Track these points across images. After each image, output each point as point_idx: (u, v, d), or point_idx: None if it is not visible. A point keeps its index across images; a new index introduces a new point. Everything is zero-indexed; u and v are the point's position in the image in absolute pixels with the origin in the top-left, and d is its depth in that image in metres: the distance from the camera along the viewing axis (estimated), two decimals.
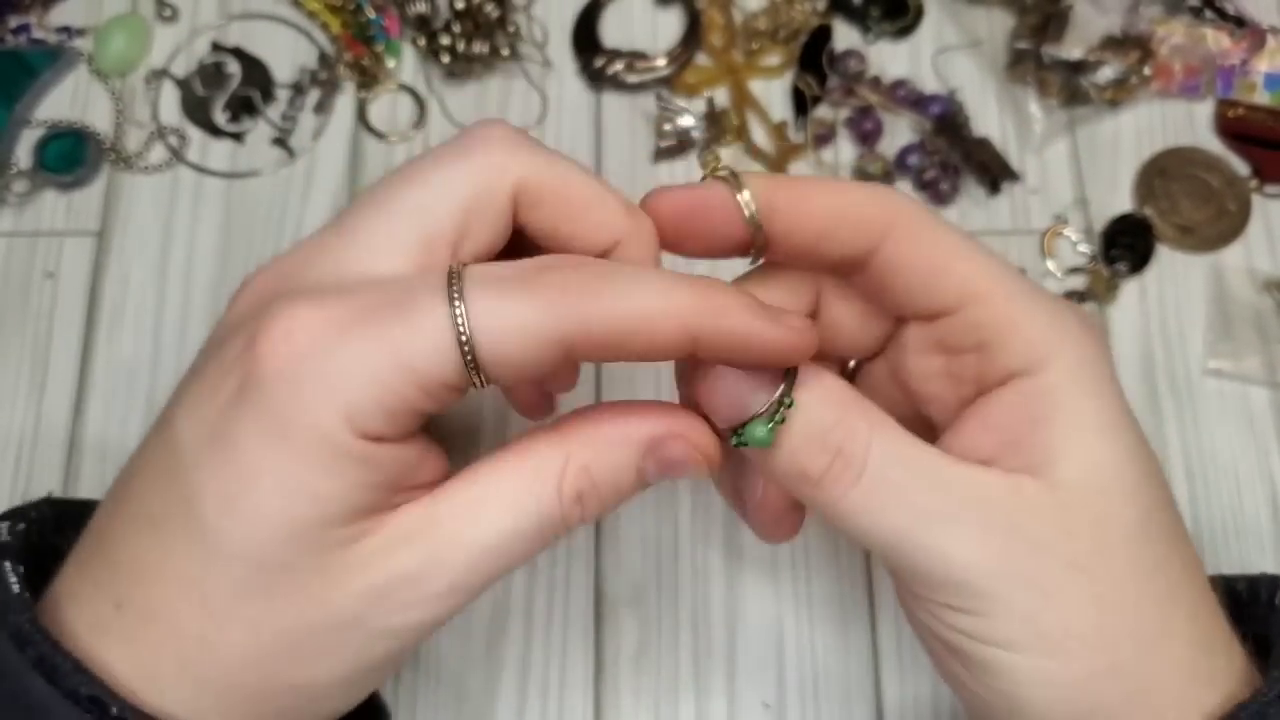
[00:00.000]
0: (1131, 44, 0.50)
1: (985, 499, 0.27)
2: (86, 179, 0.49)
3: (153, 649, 0.26)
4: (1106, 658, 0.27)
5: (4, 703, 0.25)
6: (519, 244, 0.29)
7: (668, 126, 0.50)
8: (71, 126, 0.49)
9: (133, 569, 0.27)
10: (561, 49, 0.52)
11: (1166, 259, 0.48)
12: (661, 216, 0.30)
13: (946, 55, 0.52)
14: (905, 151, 0.49)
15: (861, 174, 0.49)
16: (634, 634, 0.42)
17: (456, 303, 0.25)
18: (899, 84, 0.50)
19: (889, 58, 0.52)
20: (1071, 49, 0.50)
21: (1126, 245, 0.48)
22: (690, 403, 0.29)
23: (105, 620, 0.26)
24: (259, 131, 0.50)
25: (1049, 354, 0.29)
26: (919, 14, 0.52)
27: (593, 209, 0.29)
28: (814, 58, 0.51)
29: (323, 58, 0.51)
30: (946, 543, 0.27)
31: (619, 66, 0.51)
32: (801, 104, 0.50)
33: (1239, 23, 0.51)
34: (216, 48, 0.51)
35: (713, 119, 0.50)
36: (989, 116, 0.51)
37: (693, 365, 0.28)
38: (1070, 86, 0.50)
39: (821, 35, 0.51)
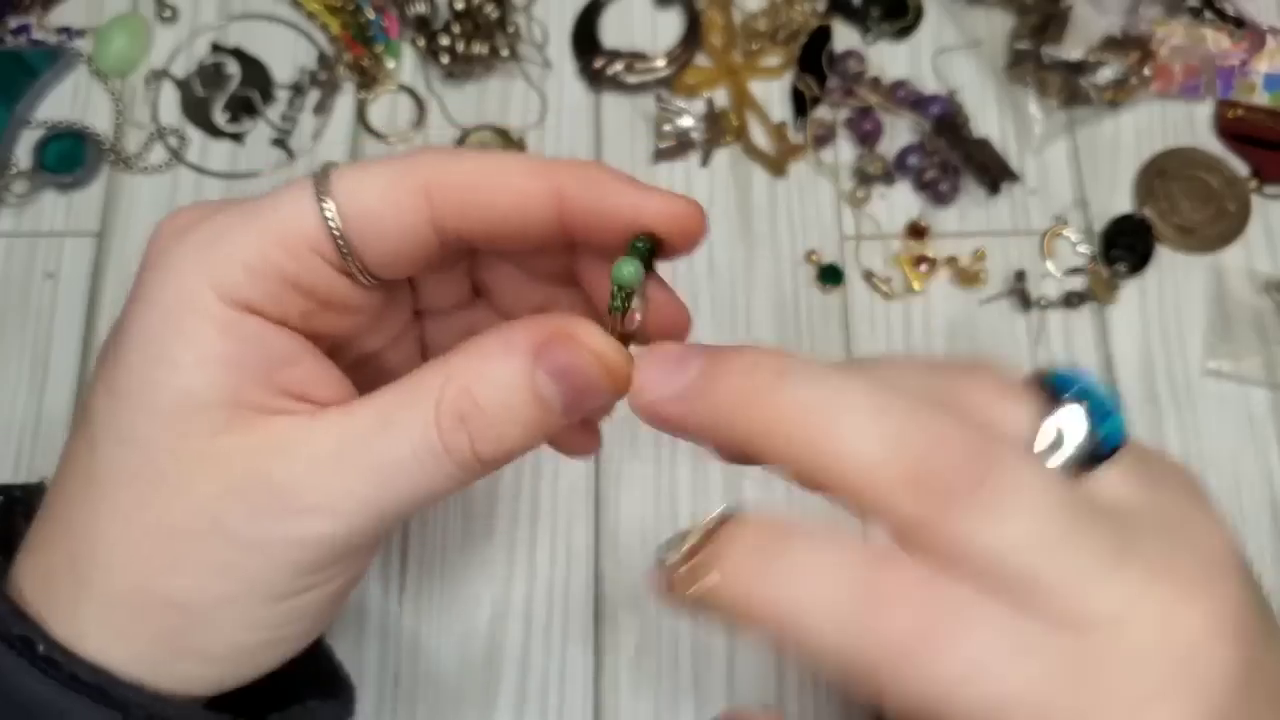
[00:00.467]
0: (1131, 45, 0.50)
1: None
2: (86, 179, 0.49)
3: (50, 561, 0.26)
4: None
5: None
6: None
7: (667, 127, 0.50)
8: (71, 127, 0.49)
9: (51, 497, 0.27)
10: (561, 49, 0.52)
11: (1166, 260, 0.48)
12: None
13: (946, 56, 0.52)
14: (905, 152, 0.49)
15: (861, 174, 0.49)
16: (634, 634, 0.42)
17: (322, 184, 0.25)
18: (899, 84, 0.50)
19: (889, 58, 0.52)
20: (1071, 50, 0.50)
21: (1126, 246, 0.48)
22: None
23: (40, 564, 0.26)
24: (259, 132, 0.50)
25: None
26: (919, 14, 0.52)
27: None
28: (814, 58, 0.51)
29: (322, 58, 0.51)
30: None
31: (619, 67, 0.51)
32: (801, 105, 0.50)
33: (1239, 23, 0.51)
34: (216, 48, 0.51)
35: (712, 120, 0.50)
36: (989, 117, 0.51)
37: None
38: (1070, 87, 0.50)
39: (821, 36, 0.51)
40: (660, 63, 0.51)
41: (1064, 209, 0.49)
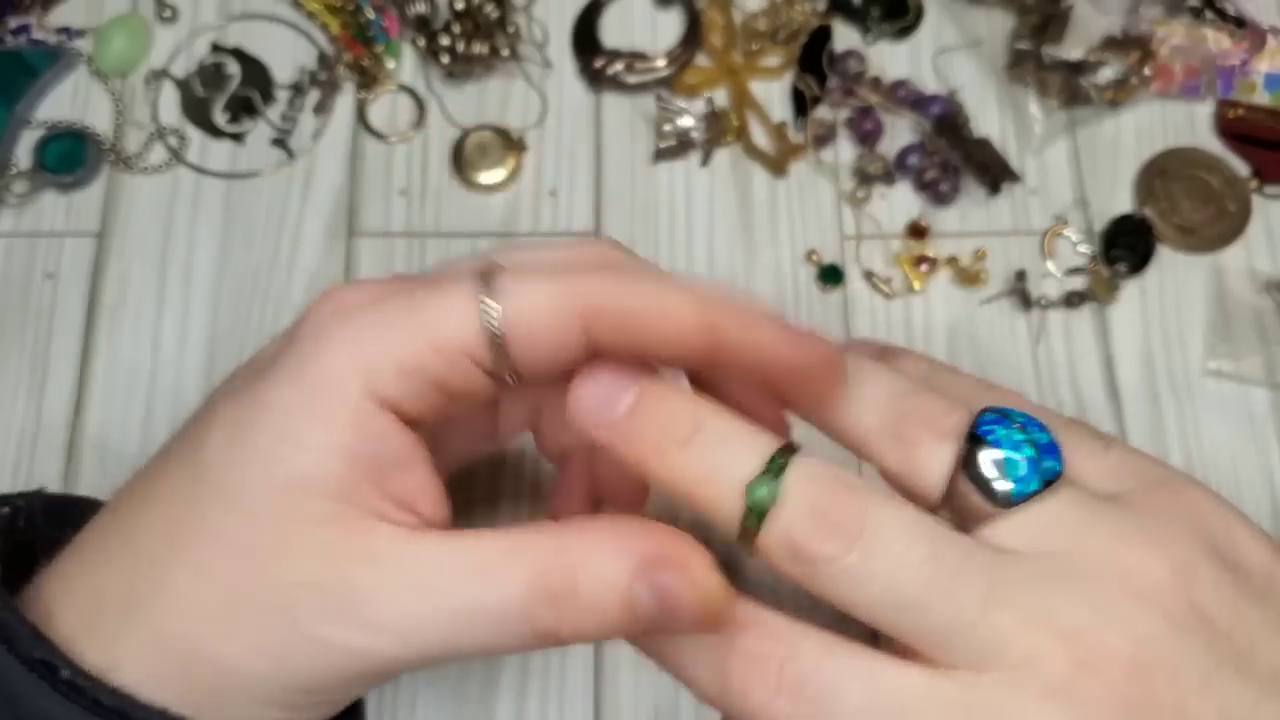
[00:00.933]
0: (1132, 45, 0.50)
1: None
2: (86, 180, 0.49)
3: (105, 586, 0.26)
4: None
5: None
6: None
7: (668, 127, 0.50)
8: (71, 127, 0.49)
9: (121, 520, 0.27)
10: (561, 50, 0.52)
11: (1167, 259, 0.48)
12: None
13: (946, 56, 0.52)
14: (905, 152, 0.49)
15: (861, 174, 0.49)
16: None
17: (487, 288, 0.26)
18: (899, 84, 0.50)
19: (889, 58, 0.52)
20: (1072, 49, 0.50)
21: (1127, 246, 0.48)
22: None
23: (93, 587, 0.26)
24: (259, 132, 0.50)
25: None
26: (919, 14, 0.52)
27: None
28: (814, 58, 0.51)
29: (322, 58, 0.51)
30: None
31: (619, 67, 0.51)
32: (801, 104, 0.50)
33: (1239, 23, 0.51)
34: (216, 48, 0.51)
35: (712, 120, 0.50)
36: (989, 117, 0.51)
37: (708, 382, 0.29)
38: (1070, 87, 0.50)
39: (821, 36, 0.51)
40: (660, 63, 0.51)
41: (1064, 209, 0.49)
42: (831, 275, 0.47)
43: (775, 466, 0.25)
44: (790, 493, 0.25)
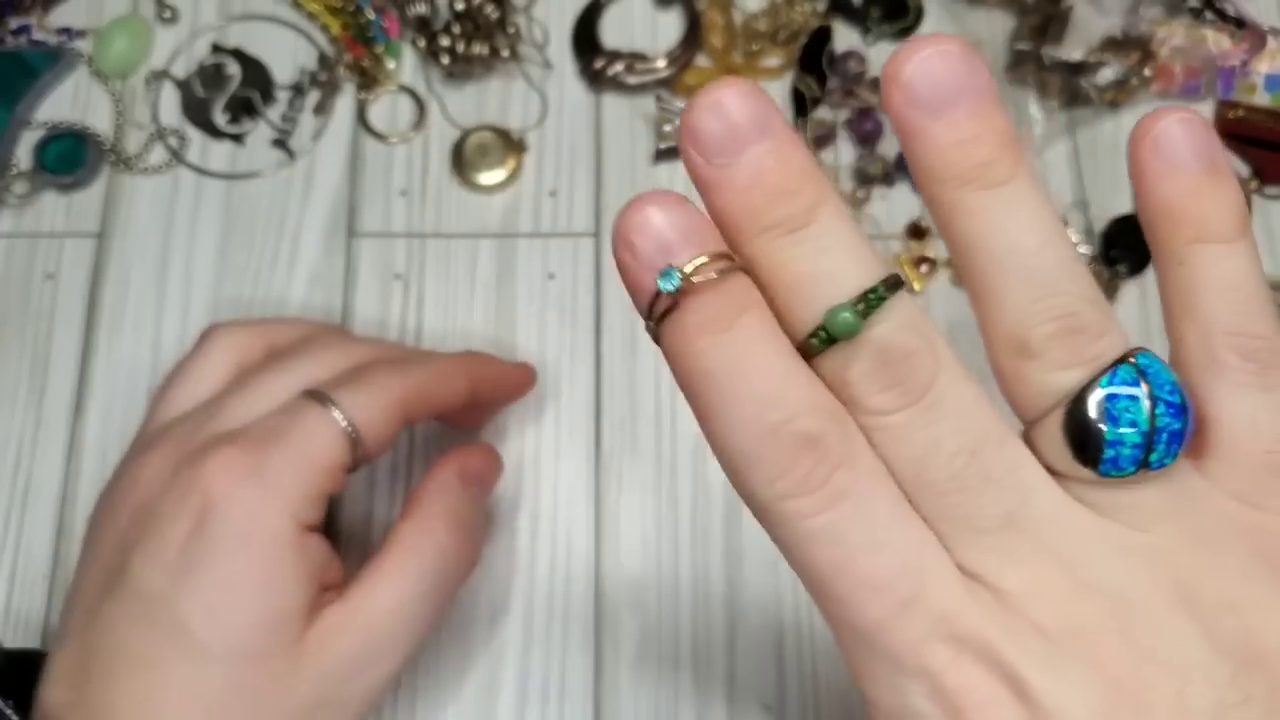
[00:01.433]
0: (1132, 45, 0.50)
1: None
2: (86, 180, 0.49)
3: None
4: None
5: None
6: None
7: (668, 128, 0.50)
8: (72, 128, 0.49)
9: (132, 705, 0.32)
10: (561, 50, 0.52)
11: None
12: None
13: None
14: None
15: (861, 174, 0.49)
16: (634, 634, 0.42)
17: (332, 408, 0.35)
18: None
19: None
20: (1072, 50, 0.50)
21: (1127, 247, 0.48)
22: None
23: None
24: (259, 133, 0.50)
25: None
26: (919, 15, 0.52)
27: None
28: (814, 59, 0.51)
29: (322, 59, 0.51)
30: None
31: (619, 68, 0.51)
32: (801, 105, 0.50)
33: (1239, 24, 0.51)
34: (216, 49, 0.51)
35: None
36: None
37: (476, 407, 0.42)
38: (1070, 88, 0.50)
39: (821, 36, 0.51)
40: (660, 63, 0.51)
41: (1064, 210, 0.49)
42: None
43: (872, 300, 0.22)
44: (872, 334, 0.22)
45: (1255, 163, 0.50)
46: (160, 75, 0.51)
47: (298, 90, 0.51)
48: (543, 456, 0.44)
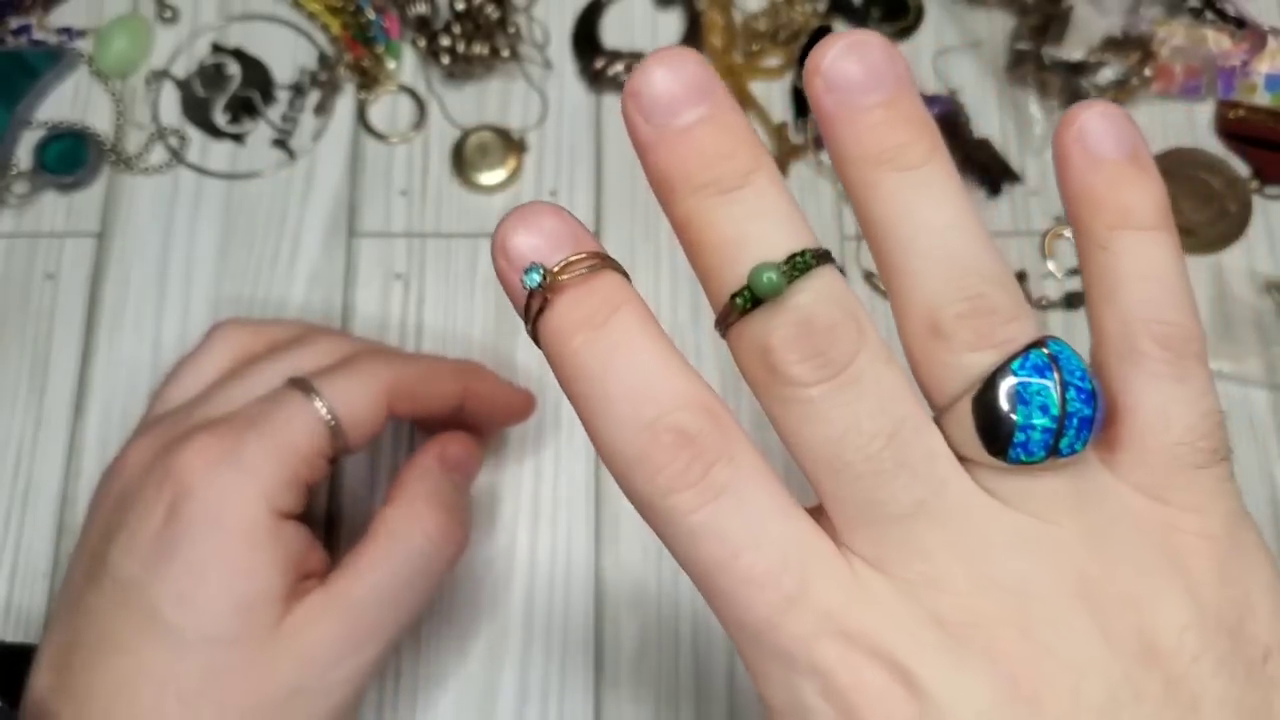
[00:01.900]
0: (1132, 45, 0.50)
1: None
2: (87, 180, 0.49)
3: None
4: None
5: None
6: None
7: None
8: (72, 128, 0.49)
9: (109, 690, 0.31)
10: (562, 50, 0.52)
11: None
12: None
13: (947, 56, 0.52)
14: None
15: None
16: (634, 634, 0.42)
17: (314, 396, 0.35)
18: None
19: None
20: (1072, 50, 0.50)
21: None
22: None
23: None
24: (259, 133, 0.50)
25: None
26: (919, 15, 0.52)
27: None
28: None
29: (323, 59, 0.51)
30: None
31: (619, 68, 0.51)
32: (802, 105, 0.50)
33: (1240, 24, 0.51)
34: (217, 49, 0.51)
35: None
36: (989, 117, 0.51)
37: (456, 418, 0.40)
38: (1071, 87, 0.50)
39: (821, 36, 0.51)
40: None
41: (1065, 210, 0.49)
42: None
43: (799, 264, 0.22)
44: (795, 295, 0.22)
45: (1255, 163, 0.50)
46: (160, 75, 0.51)
47: (298, 90, 0.51)
48: (543, 456, 0.44)
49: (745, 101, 0.51)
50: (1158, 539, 0.23)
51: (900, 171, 0.23)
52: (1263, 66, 0.51)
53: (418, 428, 0.45)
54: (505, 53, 0.50)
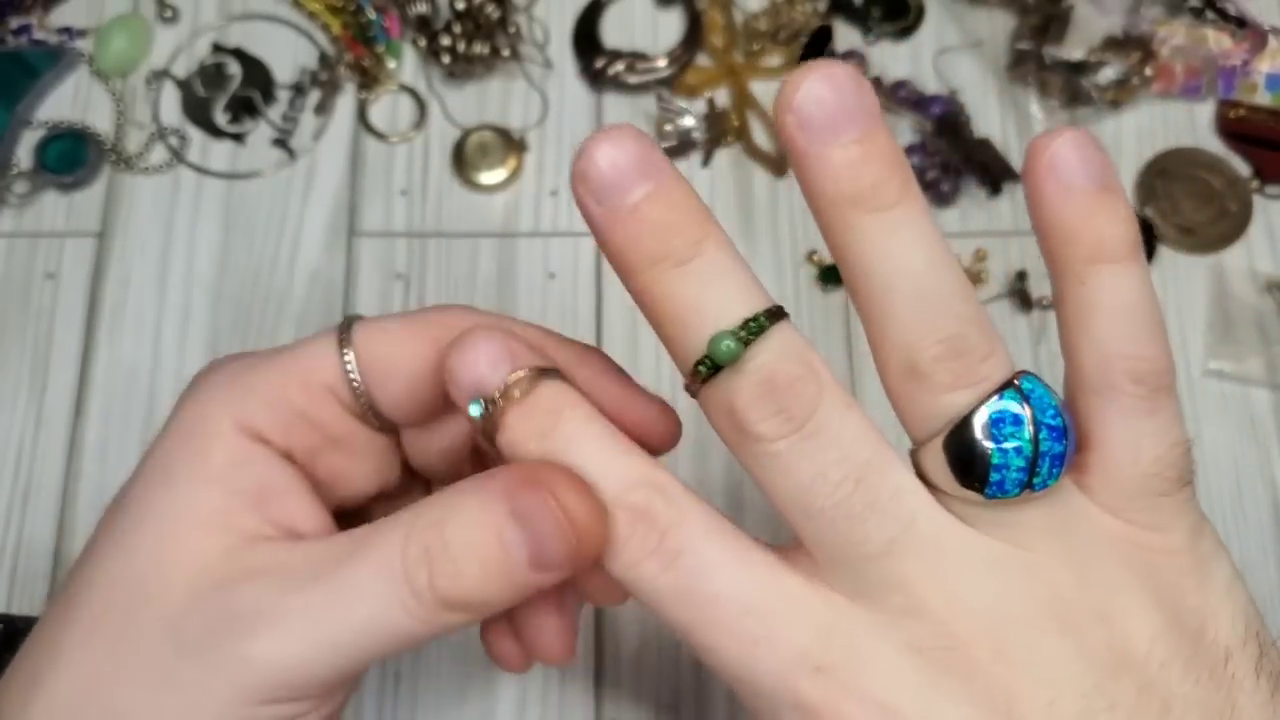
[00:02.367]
0: (1133, 45, 0.50)
1: None
2: (87, 180, 0.49)
3: (16, 668, 0.26)
4: None
5: None
6: None
7: (669, 127, 0.50)
8: (72, 127, 0.49)
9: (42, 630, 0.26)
10: (562, 50, 0.52)
11: (1167, 259, 0.48)
12: None
13: (947, 56, 0.52)
14: (906, 152, 0.49)
15: None
16: (634, 634, 0.42)
17: (346, 336, 0.28)
18: (900, 85, 0.50)
19: (890, 58, 0.52)
20: (1073, 50, 0.50)
21: None
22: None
23: (8, 673, 0.26)
24: (260, 132, 0.50)
25: None
26: (920, 15, 0.52)
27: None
28: (815, 58, 0.51)
29: (323, 58, 0.51)
30: None
31: (620, 67, 0.51)
32: None
33: (1240, 23, 0.51)
34: (217, 48, 0.51)
35: (713, 120, 0.50)
36: (990, 117, 0.50)
37: None
38: (1071, 87, 0.50)
39: (822, 36, 0.51)
40: (661, 63, 0.51)
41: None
42: (832, 276, 0.47)
43: (753, 327, 0.23)
44: (753, 360, 0.23)
45: (1256, 162, 0.50)
46: (161, 75, 0.51)
47: (298, 90, 0.51)
48: None
49: (746, 101, 0.51)
50: (1125, 556, 0.24)
51: (875, 213, 0.23)
52: (1263, 66, 0.51)
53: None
54: (506, 52, 0.50)
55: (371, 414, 0.28)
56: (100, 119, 0.50)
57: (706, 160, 0.50)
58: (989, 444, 0.23)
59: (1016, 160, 0.49)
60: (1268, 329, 0.47)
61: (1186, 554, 0.25)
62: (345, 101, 0.51)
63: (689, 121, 0.50)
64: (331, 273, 0.47)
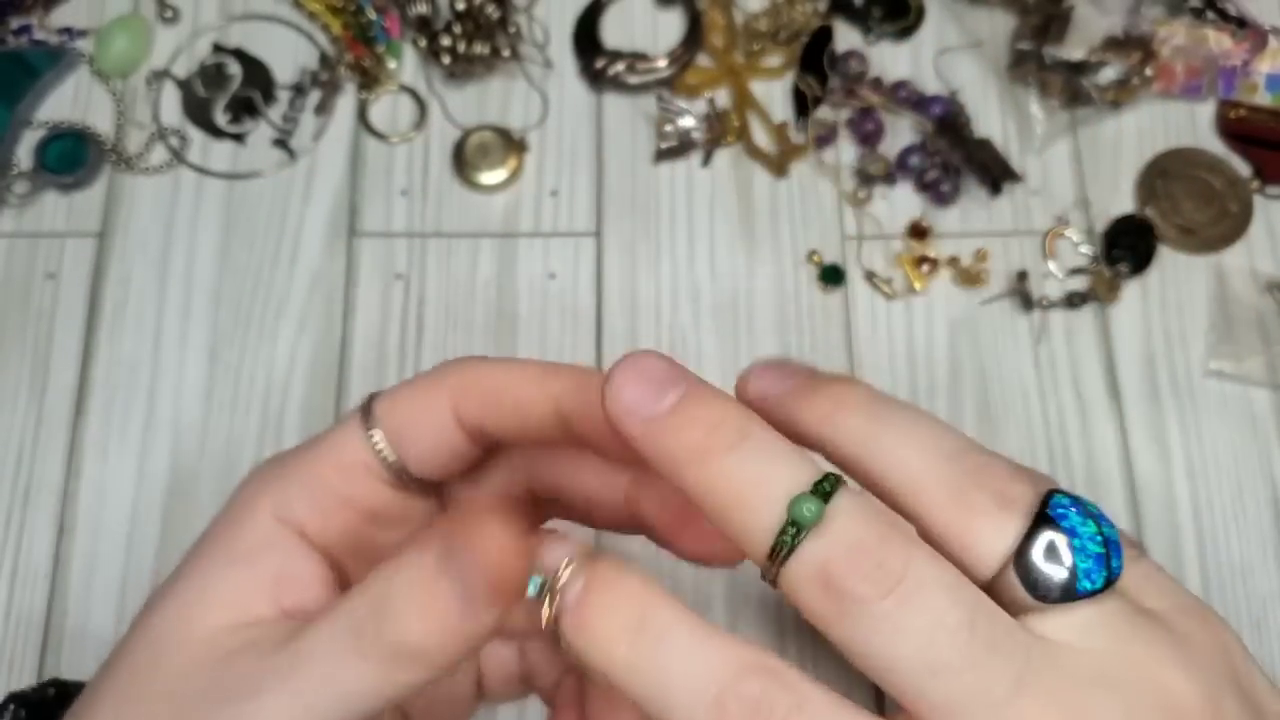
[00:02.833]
0: (1133, 45, 0.50)
1: None
2: (87, 180, 0.49)
3: None
4: None
5: None
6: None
7: (669, 127, 0.50)
8: (73, 127, 0.49)
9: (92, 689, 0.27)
10: (562, 50, 0.52)
11: (1168, 260, 0.48)
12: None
13: (948, 56, 0.52)
14: (906, 152, 0.49)
15: (863, 175, 0.49)
16: None
17: (370, 413, 0.28)
18: (900, 85, 0.50)
19: (890, 58, 0.52)
20: (1073, 50, 0.50)
21: (1128, 246, 0.48)
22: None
23: None
24: (260, 133, 0.50)
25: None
26: (920, 15, 0.52)
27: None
28: (815, 58, 0.51)
29: (324, 59, 0.51)
30: None
31: (620, 67, 0.51)
32: (803, 105, 0.50)
33: (1240, 23, 0.51)
34: (218, 49, 0.51)
35: (714, 120, 0.50)
36: (990, 117, 0.50)
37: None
38: (1072, 87, 0.50)
39: (822, 36, 0.51)
40: (661, 63, 0.51)
41: (1066, 209, 0.49)
42: (833, 276, 0.47)
43: (823, 489, 0.23)
44: (836, 517, 0.23)
45: (1256, 162, 0.50)
46: (161, 75, 0.51)
47: (299, 90, 0.51)
48: None
49: (746, 101, 0.51)
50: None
51: (722, 453, 0.24)
52: (1264, 66, 0.51)
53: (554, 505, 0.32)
54: (506, 52, 0.50)
55: (408, 479, 0.29)
56: (101, 119, 0.50)
57: (706, 160, 0.50)
58: (1055, 554, 0.23)
59: (1017, 160, 0.49)
60: (1268, 329, 0.47)
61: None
62: (345, 102, 0.51)
63: (689, 121, 0.50)
64: (332, 273, 0.47)
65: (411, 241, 0.48)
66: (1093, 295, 0.47)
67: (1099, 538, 0.23)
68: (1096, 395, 0.46)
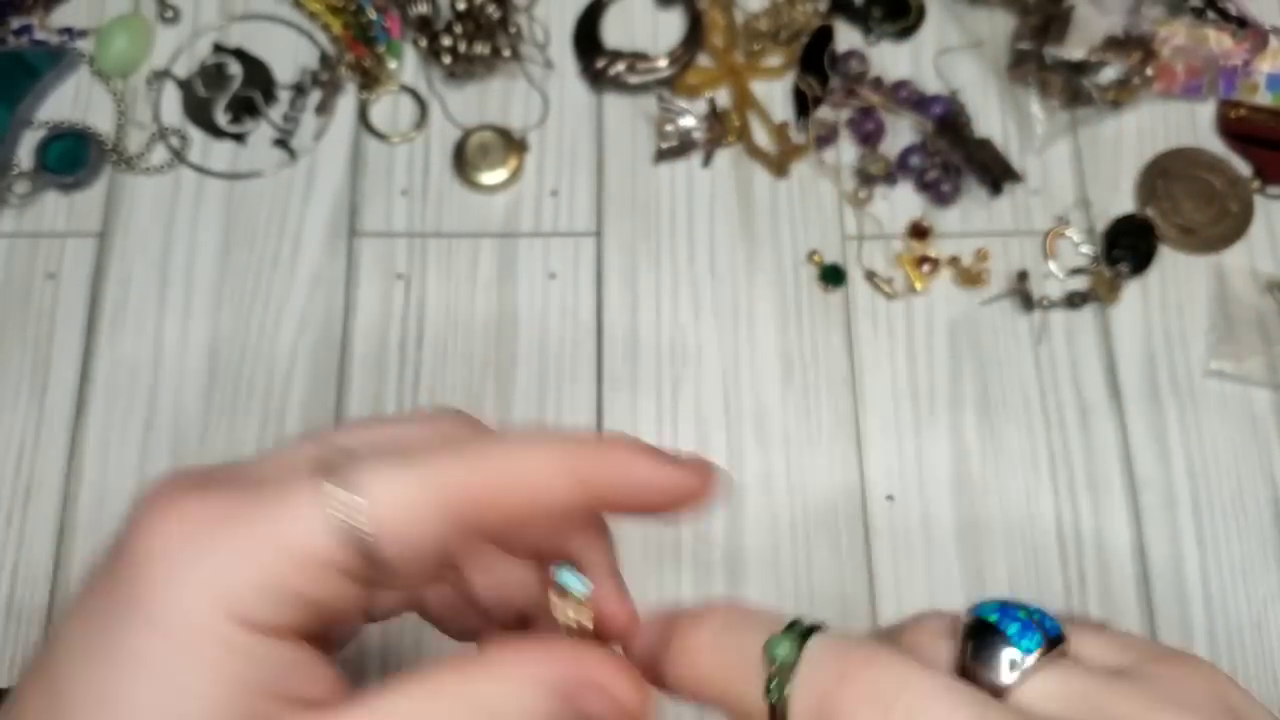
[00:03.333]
0: (1133, 45, 0.50)
1: None
2: (88, 180, 0.49)
3: None
4: None
5: None
6: None
7: (669, 127, 0.50)
8: (73, 127, 0.49)
9: None
10: (563, 50, 0.52)
11: (1168, 260, 0.48)
12: None
13: (948, 56, 0.52)
14: (907, 152, 0.49)
15: (863, 175, 0.49)
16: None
17: (339, 485, 0.24)
18: (900, 85, 0.50)
19: (890, 59, 0.52)
20: (1073, 50, 0.50)
21: (1128, 246, 0.48)
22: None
23: None
24: (260, 132, 0.50)
25: None
26: (921, 15, 0.52)
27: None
28: (815, 58, 0.51)
29: (324, 59, 0.51)
30: None
31: (620, 67, 0.51)
32: (803, 105, 0.50)
33: (1241, 23, 0.51)
34: (218, 49, 0.51)
35: (714, 120, 0.50)
36: (991, 117, 0.50)
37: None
38: (1072, 87, 0.50)
39: (823, 36, 0.51)
40: (662, 63, 0.51)
41: (1066, 209, 0.49)
42: (833, 275, 0.47)
43: (796, 631, 0.23)
44: (815, 651, 0.23)
45: (1257, 162, 0.50)
46: (162, 75, 0.51)
47: (299, 90, 0.51)
48: None
49: (746, 101, 0.51)
50: None
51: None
52: (1264, 66, 0.51)
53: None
54: (506, 52, 0.50)
55: (374, 579, 0.25)
56: (101, 119, 0.50)
57: (707, 160, 0.50)
58: (1004, 639, 0.24)
59: (1017, 160, 0.49)
60: (1269, 329, 0.47)
61: None
62: (346, 102, 0.51)
63: (689, 121, 0.50)
64: (332, 273, 0.47)
65: (412, 241, 0.48)
66: (1093, 295, 0.47)
67: (1021, 611, 0.24)
68: (1097, 395, 0.46)
